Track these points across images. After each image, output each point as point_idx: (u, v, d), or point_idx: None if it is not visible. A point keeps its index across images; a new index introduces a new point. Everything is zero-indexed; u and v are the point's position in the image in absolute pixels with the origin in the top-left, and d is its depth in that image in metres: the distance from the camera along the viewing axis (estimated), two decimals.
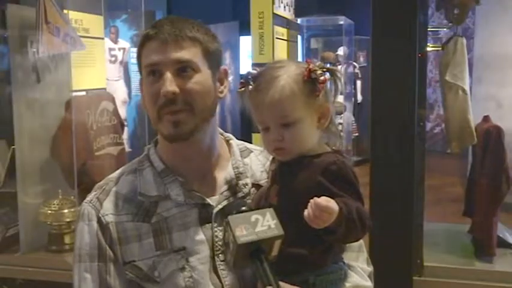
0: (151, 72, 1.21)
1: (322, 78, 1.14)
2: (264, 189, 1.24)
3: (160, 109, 1.20)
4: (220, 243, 1.23)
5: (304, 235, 1.11)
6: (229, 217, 1.08)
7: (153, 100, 1.21)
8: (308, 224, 1.06)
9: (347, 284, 1.22)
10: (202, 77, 1.22)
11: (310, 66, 1.15)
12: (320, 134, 1.20)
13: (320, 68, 1.15)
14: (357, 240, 1.22)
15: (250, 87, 1.18)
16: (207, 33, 1.25)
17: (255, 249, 1.05)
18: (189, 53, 1.20)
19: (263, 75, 1.18)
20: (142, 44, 1.24)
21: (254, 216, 1.07)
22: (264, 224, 1.06)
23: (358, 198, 1.13)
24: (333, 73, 1.19)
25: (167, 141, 1.25)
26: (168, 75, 1.18)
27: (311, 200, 1.05)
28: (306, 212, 1.05)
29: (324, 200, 1.04)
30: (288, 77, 1.15)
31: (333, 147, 1.22)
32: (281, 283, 1.07)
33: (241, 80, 1.20)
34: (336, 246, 1.20)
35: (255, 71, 1.20)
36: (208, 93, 1.23)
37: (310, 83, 1.14)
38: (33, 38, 2.47)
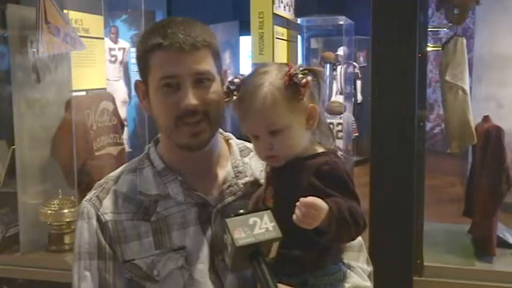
0: (168, 84, 1.19)
1: (303, 81, 1.12)
2: (261, 191, 1.25)
3: (178, 119, 1.20)
4: (219, 242, 1.23)
5: (301, 237, 1.11)
6: (227, 220, 1.08)
7: (169, 111, 1.20)
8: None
9: (346, 285, 1.22)
10: (217, 86, 1.23)
11: (291, 71, 1.13)
12: (310, 134, 1.20)
13: (301, 71, 1.14)
14: (351, 240, 1.22)
15: (235, 97, 1.17)
16: (211, 34, 1.24)
17: (253, 252, 1.05)
18: (206, 63, 1.20)
19: (245, 84, 1.17)
20: (151, 51, 1.20)
21: (252, 218, 1.07)
22: (262, 226, 1.06)
23: (352, 197, 1.13)
24: (315, 73, 1.17)
25: (183, 150, 1.24)
26: (189, 87, 1.18)
27: (297, 202, 1.05)
28: (294, 215, 1.05)
29: (310, 198, 1.05)
30: (269, 84, 1.13)
31: (327, 147, 1.22)
32: (279, 285, 1.07)
33: (225, 90, 1.20)
34: (334, 247, 1.20)
35: (237, 80, 1.18)
36: (221, 100, 1.23)
37: (292, 87, 1.13)
38: (33, 38, 2.47)
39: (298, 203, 1.05)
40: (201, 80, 1.20)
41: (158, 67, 1.20)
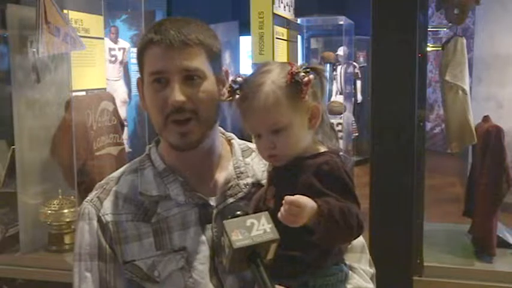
0: (157, 80, 1.19)
1: (305, 79, 1.12)
2: (262, 191, 1.24)
3: (167, 117, 1.19)
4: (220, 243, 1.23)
5: (302, 238, 1.10)
6: (225, 222, 1.07)
7: (158, 107, 1.20)
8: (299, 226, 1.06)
9: (348, 286, 1.22)
10: (209, 84, 1.21)
11: (293, 69, 1.13)
12: (313, 134, 1.19)
13: (303, 70, 1.13)
14: (346, 242, 1.22)
15: (237, 96, 1.17)
16: (210, 34, 1.24)
17: (251, 253, 1.05)
18: (196, 61, 1.19)
19: (248, 82, 1.16)
20: (144, 47, 1.21)
21: (249, 220, 1.06)
22: (260, 228, 1.05)
23: (351, 198, 1.12)
24: (317, 72, 1.17)
25: (173, 149, 1.24)
26: (176, 84, 1.17)
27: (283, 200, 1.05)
28: (279, 213, 1.05)
29: (295, 196, 1.05)
30: (271, 82, 1.13)
31: (330, 147, 1.21)
32: (278, 286, 1.06)
33: (228, 89, 1.19)
34: (335, 248, 1.20)
35: (240, 79, 1.18)
36: (213, 100, 1.22)
37: (295, 86, 1.12)
38: (33, 38, 2.46)
39: (283, 201, 1.05)
40: (191, 77, 1.19)
41: (149, 63, 1.21)
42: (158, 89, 1.19)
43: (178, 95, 1.17)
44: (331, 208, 1.07)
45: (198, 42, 1.20)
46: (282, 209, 1.05)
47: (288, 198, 1.05)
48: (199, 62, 1.20)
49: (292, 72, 1.12)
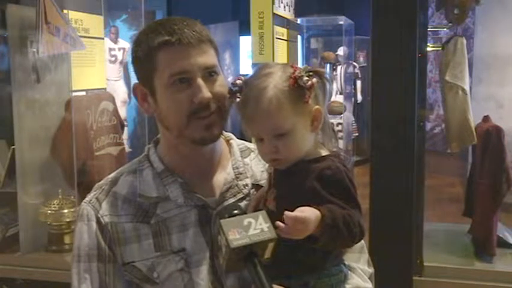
0: (179, 80, 1.18)
1: (309, 83, 1.10)
2: (262, 192, 1.24)
3: (192, 115, 1.19)
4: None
5: (302, 240, 1.10)
6: (222, 221, 1.07)
7: (181, 107, 1.19)
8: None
9: (347, 286, 1.22)
10: (222, 79, 1.23)
11: (296, 74, 1.11)
12: (315, 136, 1.19)
13: (306, 73, 1.12)
14: (347, 247, 1.22)
15: (237, 98, 1.16)
16: (207, 30, 1.25)
17: (248, 253, 1.04)
18: (212, 57, 1.21)
19: (249, 86, 1.15)
20: (157, 49, 1.18)
21: (247, 219, 1.06)
22: (257, 227, 1.05)
23: (353, 204, 1.11)
24: (320, 75, 1.15)
25: (195, 145, 1.23)
26: (201, 81, 1.18)
27: (283, 216, 1.03)
28: (277, 225, 1.03)
29: (297, 211, 1.03)
30: (274, 86, 1.11)
31: (333, 149, 1.21)
32: (275, 286, 1.06)
33: (228, 92, 1.19)
34: (336, 251, 1.19)
35: (239, 81, 1.17)
36: (227, 93, 1.23)
37: (298, 89, 1.11)
38: (33, 38, 2.47)
39: (284, 216, 1.03)
40: (210, 74, 1.20)
41: (167, 64, 1.19)
42: (181, 89, 1.18)
43: (206, 92, 1.18)
44: (335, 218, 1.06)
45: (208, 39, 1.22)
46: (286, 219, 1.02)
47: (291, 215, 1.02)
48: (214, 58, 1.22)
49: (295, 77, 1.11)
